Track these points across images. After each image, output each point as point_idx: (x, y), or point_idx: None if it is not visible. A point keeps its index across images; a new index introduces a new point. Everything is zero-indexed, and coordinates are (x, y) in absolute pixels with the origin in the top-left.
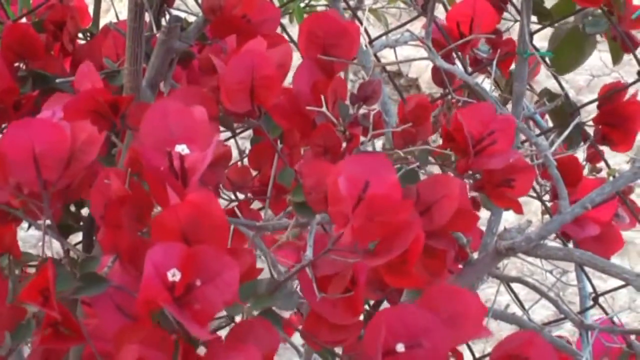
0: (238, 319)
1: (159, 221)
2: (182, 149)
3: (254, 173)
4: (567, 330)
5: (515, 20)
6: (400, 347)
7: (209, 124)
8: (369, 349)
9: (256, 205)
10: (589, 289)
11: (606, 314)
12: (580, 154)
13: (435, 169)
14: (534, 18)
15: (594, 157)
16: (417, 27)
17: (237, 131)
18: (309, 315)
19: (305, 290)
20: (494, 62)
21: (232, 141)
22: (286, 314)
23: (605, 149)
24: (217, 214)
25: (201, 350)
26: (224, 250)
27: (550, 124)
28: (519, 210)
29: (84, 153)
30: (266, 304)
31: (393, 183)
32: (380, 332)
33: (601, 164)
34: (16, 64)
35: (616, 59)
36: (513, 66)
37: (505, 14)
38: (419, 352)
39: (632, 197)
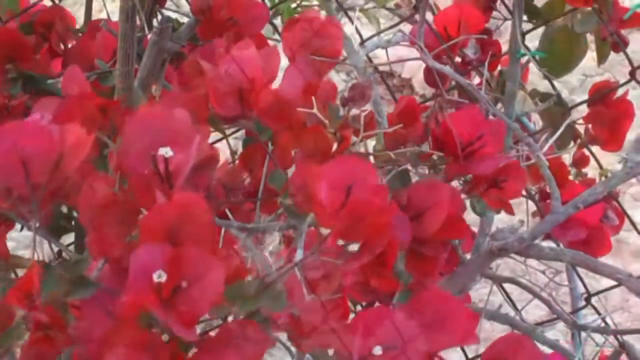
0: None
1: (145, 222)
2: (165, 151)
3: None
4: (559, 331)
5: (505, 19)
6: (377, 350)
7: (193, 126)
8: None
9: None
10: (582, 289)
11: (599, 314)
12: (567, 159)
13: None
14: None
15: (580, 161)
16: (410, 27)
17: (229, 133)
18: (297, 318)
19: (292, 293)
20: (486, 63)
21: (224, 143)
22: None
23: (595, 149)
24: (203, 215)
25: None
26: (210, 251)
27: (537, 125)
28: (510, 211)
29: (73, 155)
30: (253, 306)
31: (375, 187)
32: (356, 333)
33: (586, 169)
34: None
35: (601, 59)
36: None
37: (495, 13)
38: (396, 355)
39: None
